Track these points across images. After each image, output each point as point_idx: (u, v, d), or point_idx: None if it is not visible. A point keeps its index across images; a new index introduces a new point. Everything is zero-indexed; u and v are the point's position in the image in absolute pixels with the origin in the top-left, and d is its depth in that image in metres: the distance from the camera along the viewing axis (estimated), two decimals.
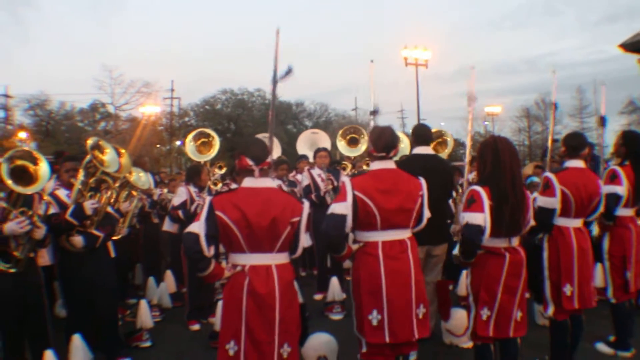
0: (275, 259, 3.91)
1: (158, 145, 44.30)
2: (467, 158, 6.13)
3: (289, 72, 4.95)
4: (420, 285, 4.30)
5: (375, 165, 4.37)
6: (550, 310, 5.09)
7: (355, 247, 4.33)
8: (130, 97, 43.70)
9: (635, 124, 41.95)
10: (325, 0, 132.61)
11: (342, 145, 10.65)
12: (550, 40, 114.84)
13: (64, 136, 42.45)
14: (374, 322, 4.15)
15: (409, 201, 4.27)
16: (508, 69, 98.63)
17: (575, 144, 5.24)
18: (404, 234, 4.31)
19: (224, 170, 9.59)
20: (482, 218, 4.11)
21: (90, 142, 5.82)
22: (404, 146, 10.24)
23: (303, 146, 12.13)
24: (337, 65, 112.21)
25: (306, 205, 4.09)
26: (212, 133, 9.76)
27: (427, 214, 4.48)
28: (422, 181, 4.44)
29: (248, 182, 3.98)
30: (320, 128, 25.78)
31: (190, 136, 9.80)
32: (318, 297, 8.41)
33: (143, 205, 8.45)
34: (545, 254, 5.13)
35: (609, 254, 5.81)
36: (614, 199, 5.58)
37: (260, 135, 11.10)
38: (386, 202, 4.16)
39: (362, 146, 10.16)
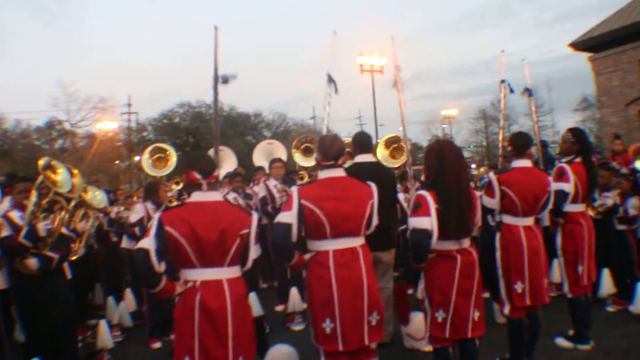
0: (227, 273, 3.92)
1: (117, 162, 43.83)
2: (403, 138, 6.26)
3: (228, 78, 5.03)
4: (374, 292, 4.30)
5: (324, 174, 4.39)
6: (506, 309, 5.14)
7: (307, 256, 4.33)
8: (86, 114, 43.19)
9: (590, 120, 42.85)
10: (283, 9, 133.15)
11: (297, 155, 10.65)
12: (505, 40, 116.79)
13: (21, 155, 41.64)
14: (327, 331, 4.16)
15: (359, 208, 4.29)
16: (465, 71, 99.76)
17: (522, 143, 5.33)
18: (356, 242, 4.31)
19: (180, 186, 9.52)
20: (428, 222, 4.15)
21: (42, 162, 5.75)
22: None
23: (259, 157, 12.09)
24: (295, 74, 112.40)
25: (255, 217, 4.11)
26: (168, 148, 9.72)
27: (375, 220, 4.49)
28: (373, 187, 4.46)
29: (196, 197, 3.98)
30: (279, 138, 25.74)
31: (146, 151, 9.73)
32: (279, 308, 8.38)
33: (101, 224, 8.38)
34: (498, 254, 5.19)
35: (562, 250, 5.92)
36: (561, 196, 5.67)
37: (211, 150, 11.19)
38: (336, 210, 4.17)
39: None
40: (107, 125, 42.00)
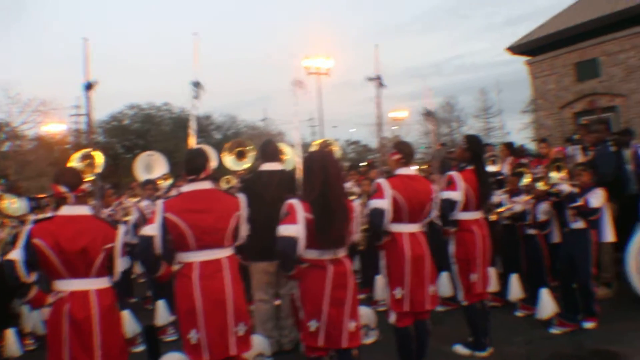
0: (94, 284, 4.04)
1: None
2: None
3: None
4: (240, 303, 4.35)
5: (189, 187, 4.44)
6: (393, 318, 5.18)
7: (175, 268, 4.38)
8: (27, 117, 42.07)
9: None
10: (232, 11, 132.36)
11: (229, 159, 10.66)
12: (456, 43, 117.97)
13: None
14: (193, 341, 4.21)
15: (223, 220, 4.35)
16: (415, 73, 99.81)
17: (410, 151, 5.40)
18: (221, 253, 4.36)
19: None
20: (295, 230, 4.14)
21: None
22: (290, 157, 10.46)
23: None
24: (246, 76, 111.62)
25: (121, 230, 4.21)
26: (95, 152, 9.65)
27: (244, 231, 4.60)
28: (241, 198, 4.56)
29: (64, 210, 4.10)
30: (229, 140, 25.44)
31: (75, 156, 9.68)
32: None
33: (17, 232, 8.32)
34: (383, 262, 5.24)
35: (454, 258, 5.94)
36: (448, 204, 5.75)
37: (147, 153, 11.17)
38: (198, 222, 4.23)
39: (248, 161, 10.17)
40: (55, 128, 41.23)
